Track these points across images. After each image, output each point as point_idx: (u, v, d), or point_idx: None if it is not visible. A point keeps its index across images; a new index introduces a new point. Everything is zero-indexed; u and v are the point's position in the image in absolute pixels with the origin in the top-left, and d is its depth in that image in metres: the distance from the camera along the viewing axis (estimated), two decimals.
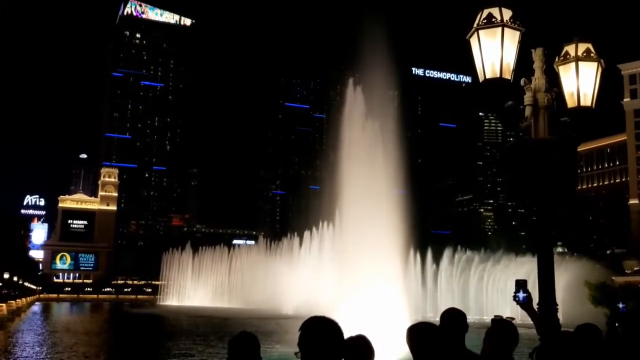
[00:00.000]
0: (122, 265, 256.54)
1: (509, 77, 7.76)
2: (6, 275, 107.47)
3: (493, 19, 7.60)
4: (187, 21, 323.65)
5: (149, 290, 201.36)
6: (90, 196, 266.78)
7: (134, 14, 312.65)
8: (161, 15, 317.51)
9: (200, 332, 58.81)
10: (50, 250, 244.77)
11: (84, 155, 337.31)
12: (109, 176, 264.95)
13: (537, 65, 8.15)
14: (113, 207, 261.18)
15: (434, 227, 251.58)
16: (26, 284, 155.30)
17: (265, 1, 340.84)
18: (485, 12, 7.66)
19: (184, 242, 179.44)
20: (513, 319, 6.43)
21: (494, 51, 7.65)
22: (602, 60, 8.19)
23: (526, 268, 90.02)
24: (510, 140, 8.26)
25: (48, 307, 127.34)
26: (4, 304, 71.20)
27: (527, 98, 8.00)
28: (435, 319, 6.43)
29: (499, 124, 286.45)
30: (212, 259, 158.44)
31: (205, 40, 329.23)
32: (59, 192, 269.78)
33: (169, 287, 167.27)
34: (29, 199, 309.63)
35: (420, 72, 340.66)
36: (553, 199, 7.93)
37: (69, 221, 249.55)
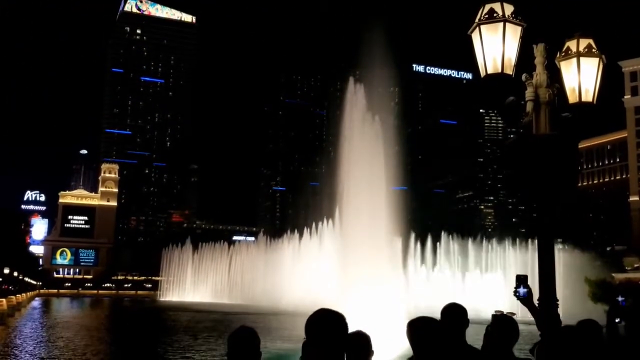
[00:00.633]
0: (122, 260, 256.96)
1: (511, 73, 7.75)
2: (6, 271, 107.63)
3: (495, 14, 7.60)
4: (188, 17, 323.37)
5: (149, 286, 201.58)
6: (91, 192, 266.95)
7: (135, 10, 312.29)
8: (162, 11, 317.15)
9: (200, 327, 58.87)
10: (50, 245, 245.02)
11: (84, 151, 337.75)
12: (110, 172, 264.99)
13: (539, 60, 8.14)
14: (113, 203, 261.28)
15: (434, 223, 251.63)
16: (26, 279, 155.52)
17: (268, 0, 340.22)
18: (487, 7, 7.65)
19: (183, 238, 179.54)
20: (514, 314, 6.45)
21: (496, 46, 7.64)
22: (603, 56, 8.19)
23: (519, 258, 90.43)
24: (511, 136, 8.26)
25: (48, 303, 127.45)
26: (4, 299, 71.21)
27: (529, 93, 8.00)
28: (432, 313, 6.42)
29: (500, 121, 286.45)
30: (212, 255, 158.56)
31: (206, 36, 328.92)
32: (59, 188, 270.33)
33: (169, 283, 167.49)
34: (29, 195, 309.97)
35: (421, 68, 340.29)
36: (554, 195, 7.94)
37: (69, 217, 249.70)
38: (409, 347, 5.40)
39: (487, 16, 7.62)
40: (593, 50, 8.09)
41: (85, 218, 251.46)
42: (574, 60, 8.06)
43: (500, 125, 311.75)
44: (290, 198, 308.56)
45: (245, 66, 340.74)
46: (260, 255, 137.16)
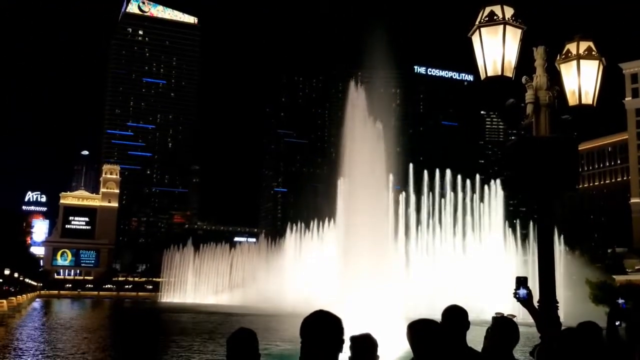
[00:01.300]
0: (123, 262, 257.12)
1: (511, 75, 7.77)
2: (7, 272, 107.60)
3: (495, 17, 7.62)
4: (190, 19, 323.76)
5: (150, 287, 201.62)
6: (92, 193, 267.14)
7: (137, 11, 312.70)
8: (164, 12, 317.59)
9: (200, 329, 58.88)
10: (51, 246, 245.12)
11: (85, 152, 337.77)
12: (111, 173, 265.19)
13: (539, 63, 8.16)
14: (114, 204, 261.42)
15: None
16: (27, 280, 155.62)
17: (270, 1, 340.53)
18: (487, 9, 7.67)
19: (185, 239, 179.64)
20: (514, 316, 6.46)
21: (496, 49, 7.66)
22: (603, 59, 8.20)
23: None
24: (512, 138, 8.28)
25: (49, 304, 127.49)
26: (4, 301, 71.42)
27: (529, 96, 8.02)
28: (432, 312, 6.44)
29: (501, 123, 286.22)
30: (213, 256, 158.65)
31: (208, 38, 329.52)
32: (60, 189, 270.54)
33: (170, 284, 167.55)
34: (30, 196, 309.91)
35: (422, 70, 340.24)
36: (554, 197, 7.95)
37: (70, 218, 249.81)
38: (409, 349, 5.42)
39: (487, 19, 7.64)
40: (593, 52, 8.11)
41: (86, 219, 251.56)
42: (574, 62, 8.08)
43: (501, 127, 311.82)
44: (292, 199, 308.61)
45: (247, 67, 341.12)
46: (262, 256, 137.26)
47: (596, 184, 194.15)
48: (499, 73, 7.69)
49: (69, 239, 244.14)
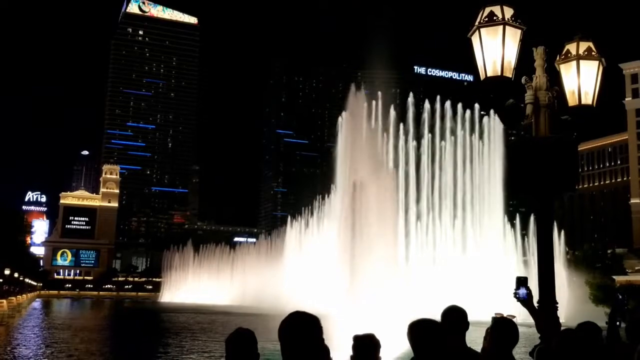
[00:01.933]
0: (123, 262, 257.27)
1: (510, 76, 7.77)
2: (7, 272, 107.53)
3: (494, 17, 7.62)
4: (191, 19, 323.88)
5: (150, 287, 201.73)
6: (92, 193, 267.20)
7: (137, 11, 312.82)
8: (164, 12, 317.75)
9: (200, 328, 58.89)
10: (51, 246, 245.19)
11: (85, 152, 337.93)
12: (111, 173, 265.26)
13: (538, 63, 8.17)
14: (114, 204, 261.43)
15: None
16: (27, 280, 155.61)
17: (270, 2, 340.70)
18: (487, 10, 7.67)
19: (184, 239, 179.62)
20: (514, 317, 6.45)
21: (495, 49, 7.66)
22: (603, 59, 8.20)
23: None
24: (512, 139, 8.28)
25: (49, 304, 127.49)
26: (4, 300, 71.42)
27: (528, 96, 8.02)
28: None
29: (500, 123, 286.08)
30: (213, 256, 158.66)
31: (208, 37, 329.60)
32: (60, 189, 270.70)
33: (170, 284, 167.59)
34: (30, 195, 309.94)
35: (422, 70, 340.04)
36: (554, 198, 7.95)
37: (70, 218, 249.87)
38: (409, 349, 5.42)
39: (486, 19, 7.64)
40: (593, 53, 8.11)
41: (86, 219, 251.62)
42: (574, 63, 8.08)
43: (501, 127, 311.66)
44: (292, 199, 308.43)
45: (247, 67, 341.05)
46: (261, 256, 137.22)
47: (596, 184, 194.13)
48: (499, 73, 7.69)
49: (68, 239, 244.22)
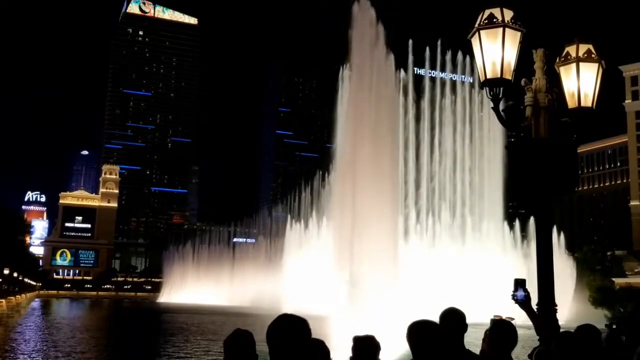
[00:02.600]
0: (122, 262, 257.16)
1: (510, 78, 7.77)
2: (6, 271, 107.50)
3: (494, 20, 7.63)
4: (191, 19, 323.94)
5: (149, 287, 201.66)
6: (92, 193, 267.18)
7: (138, 11, 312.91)
8: (164, 12, 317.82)
9: (198, 329, 58.86)
10: (50, 246, 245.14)
11: (85, 152, 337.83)
12: (110, 173, 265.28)
13: (538, 65, 8.17)
14: (114, 204, 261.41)
15: None
16: (26, 280, 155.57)
17: (270, 3, 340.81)
18: (487, 12, 7.68)
19: (184, 239, 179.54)
20: (512, 319, 6.44)
21: (495, 51, 7.67)
22: (603, 62, 8.20)
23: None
24: (511, 140, 8.27)
25: (48, 304, 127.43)
26: (3, 300, 71.39)
27: (528, 98, 8.02)
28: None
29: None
30: (212, 256, 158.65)
31: (209, 38, 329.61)
32: (60, 189, 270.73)
33: (169, 285, 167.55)
34: (30, 195, 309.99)
35: (421, 72, 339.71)
36: (553, 200, 7.95)
37: (70, 217, 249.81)
38: (408, 350, 5.42)
39: (486, 21, 7.65)
40: (592, 55, 8.11)
41: (86, 219, 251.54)
42: (574, 65, 8.08)
43: (500, 128, 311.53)
44: (291, 200, 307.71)
45: (246, 68, 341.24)
46: (260, 256, 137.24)
47: (596, 186, 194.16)
48: (499, 75, 7.70)
49: (68, 239, 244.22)
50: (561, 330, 7.26)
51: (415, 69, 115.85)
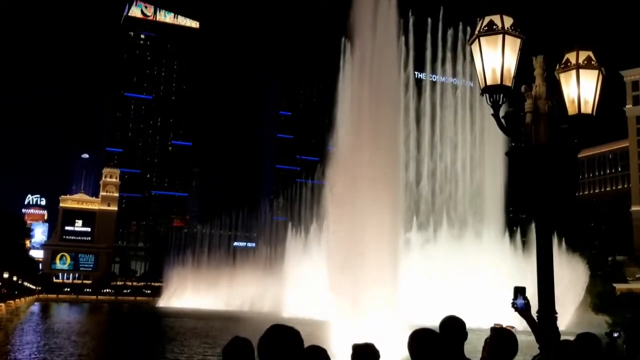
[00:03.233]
0: (121, 266, 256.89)
1: (510, 84, 7.77)
2: (6, 275, 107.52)
3: (494, 27, 7.63)
4: (193, 23, 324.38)
5: (149, 291, 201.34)
6: (92, 196, 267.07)
7: (139, 15, 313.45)
8: (166, 16, 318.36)
9: (197, 333, 58.78)
10: (50, 250, 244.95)
11: (86, 155, 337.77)
12: (111, 176, 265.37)
13: (538, 72, 8.17)
14: (114, 208, 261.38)
15: None
16: (26, 283, 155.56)
17: (272, 7, 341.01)
18: (487, 19, 7.69)
19: (184, 243, 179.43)
20: (513, 327, 6.41)
21: (495, 58, 7.67)
22: (602, 68, 8.20)
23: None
24: (511, 145, 8.26)
25: (47, 308, 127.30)
26: (3, 304, 71.31)
27: (528, 105, 8.02)
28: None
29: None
30: (212, 260, 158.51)
31: (210, 41, 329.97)
32: (60, 192, 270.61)
33: (169, 289, 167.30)
34: (30, 198, 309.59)
35: (422, 76, 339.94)
36: (553, 206, 7.93)
37: (70, 221, 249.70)
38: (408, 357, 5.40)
39: (486, 28, 7.65)
40: (592, 62, 8.11)
41: (86, 222, 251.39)
42: (574, 72, 8.08)
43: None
44: (292, 204, 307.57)
45: (248, 71, 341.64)
46: (261, 260, 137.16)
47: (596, 191, 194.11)
48: (498, 82, 7.70)
49: (68, 243, 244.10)
50: (561, 337, 7.23)
51: (416, 72, 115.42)
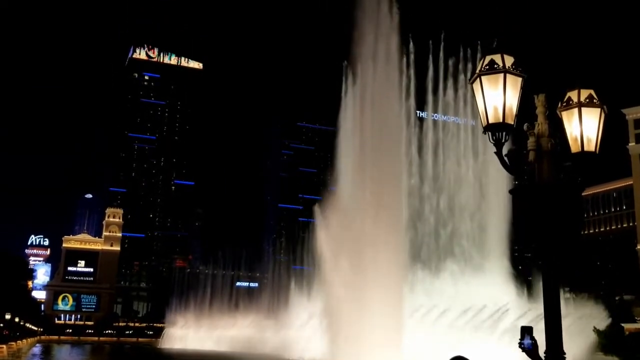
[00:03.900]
0: (124, 306, 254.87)
1: (512, 122, 7.79)
2: (7, 316, 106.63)
3: (495, 65, 7.69)
4: (196, 64, 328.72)
5: (151, 332, 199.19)
6: (95, 236, 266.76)
7: (143, 56, 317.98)
8: (169, 58, 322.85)
9: None
10: (52, 290, 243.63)
11: (89, 195, 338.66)
12: (114, 216, 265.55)
13: (540, 110, 8.21)
14: (117, 248, 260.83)
15: None
16: (27, 325, 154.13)
17: (275, 48, 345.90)
18: (488, 58, 7.75)
19: (187, 283, 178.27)
20: None
21: (497, 96, 7.71)
22: (604, 106, 8.24)
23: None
24: (515, 183, 8.25)
25: (49, 349, 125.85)
26: (4, 346, 70.59)
27: (530, 143, 8.03)
28: None
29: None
30: (215, 301, 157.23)
31: (214, 83, 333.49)
32: (63, 232, 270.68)
33: (171, 330, 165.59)
34: (33, 239, 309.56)
35: (424, 115, 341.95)
36: (558, 244, 7.86)
37: (72, 261, 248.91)
38: None
39: (487, 67, 7.71)
40: (594, 100, 8.15)
41: (88, 263, 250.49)
42: (576, 110, 8.11)
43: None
44: (294, 245, 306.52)
45: (251, 112, 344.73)
46: (263, 301, 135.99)
47: (601, 229, 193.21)
48: (500, 120, 7.72)
49: (70, 283, 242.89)
50: None
51: (418, 112, 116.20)
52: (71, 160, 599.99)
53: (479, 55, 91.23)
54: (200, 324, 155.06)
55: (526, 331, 7.50)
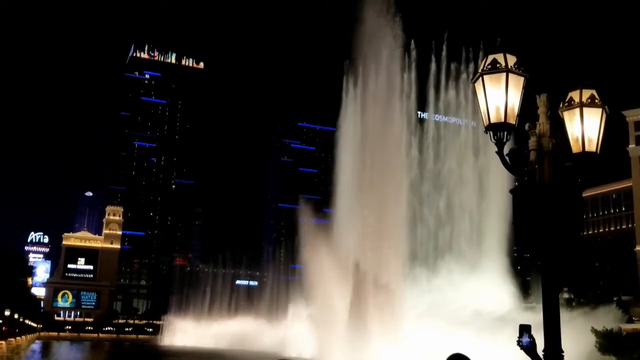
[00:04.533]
0: (123, 304, 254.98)
1: (514, 122, 7.83)
2: (7, 313, 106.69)
3: (497, 65, 7.72)
4: (197, 63, 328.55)
5: (150, 329, 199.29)
6: (95, 234, 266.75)
7: (144, 55, 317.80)
8: (170, 57, 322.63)
9: None
10: (52, 287, 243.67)
11: (89, 193, 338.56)
12: (114, 214, 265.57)
13: (542, 110, 8.24)
14: (117, 246, 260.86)
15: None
16: (27, 321, 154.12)
17: (276, 47, 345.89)
18: (490, 57, 7.78)
19: (186, 281, 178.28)
20: None
21: (499, 96, 7.73)
22: (606, 107, 8.27)
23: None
24: (516, 184, 8.30)
25: (48, 346, 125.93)
26: (3, 342, 70.63)
27: (532, 143, 8.06)
28: None
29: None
30: (215, 299, 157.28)
31: (215, 82, 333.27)
32: (63, 229, 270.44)
33: (171, 327, 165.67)
34: (33, 236, 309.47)
35: (425, 116, 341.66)
36: (558, 244, 7.90)
37: (72, 259, 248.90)
38: None
39: (490, 66, 7.74)
40: (596, 100, 8.18)
41: (88, 260, 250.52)
42: (577, 110, 8.14)
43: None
44: (292, 244, 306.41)
45: (252, 111, 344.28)
46: (263, 300, 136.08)
47: (600, 231, 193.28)
48: (502, 120, 7.75)
49: (70, 280, 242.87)
50: None
51: (419, 112, 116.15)
52: (71, 160, 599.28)
53: (481, 55, 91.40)
54: (199, 322, 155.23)
55: (525, 329, 7.55)
